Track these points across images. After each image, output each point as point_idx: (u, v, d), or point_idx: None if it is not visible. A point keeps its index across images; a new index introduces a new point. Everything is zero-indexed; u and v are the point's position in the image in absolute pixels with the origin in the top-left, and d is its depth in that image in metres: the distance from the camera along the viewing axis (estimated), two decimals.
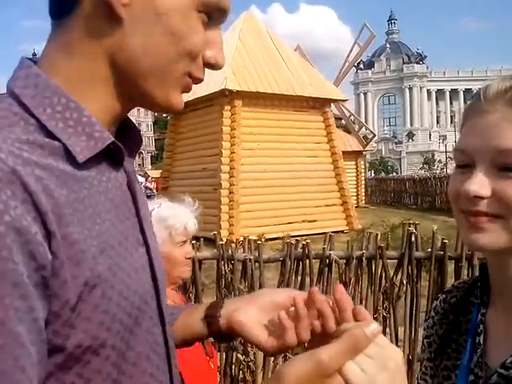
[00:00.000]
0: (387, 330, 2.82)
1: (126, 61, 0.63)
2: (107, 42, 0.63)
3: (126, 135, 0.74)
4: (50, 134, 0.59)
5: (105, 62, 0.63)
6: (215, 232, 3.12)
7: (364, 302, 2.85)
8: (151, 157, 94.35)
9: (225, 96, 11.28)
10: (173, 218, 1.66)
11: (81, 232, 0.57)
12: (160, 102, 0.67)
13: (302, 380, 0.58)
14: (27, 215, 0.51)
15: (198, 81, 0.69)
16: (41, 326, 0.53)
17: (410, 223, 2.93)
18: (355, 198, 18.44)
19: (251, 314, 0.81)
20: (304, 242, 2.90)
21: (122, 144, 0.68)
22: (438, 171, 38.97)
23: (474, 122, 0.71)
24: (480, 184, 0.68)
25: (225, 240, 3.25)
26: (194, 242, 2.99)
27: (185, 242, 1.71)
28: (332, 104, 14.25)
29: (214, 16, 0.67)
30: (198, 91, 12.12)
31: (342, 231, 11.63)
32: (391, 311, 2.80)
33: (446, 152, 58.45)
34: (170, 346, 0.72)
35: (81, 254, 0.56)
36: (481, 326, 0.76)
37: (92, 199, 0.61)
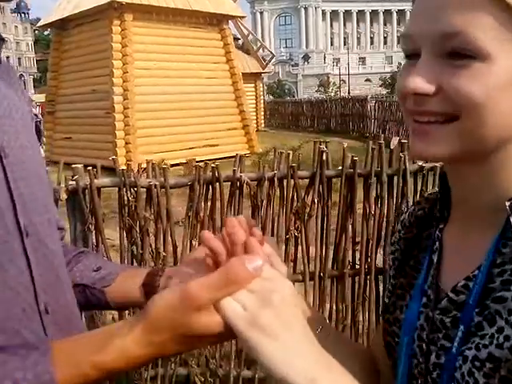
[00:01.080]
0: (299, 248, 2.82)
1: None
2: None
3: None
4: None
5: None
6: (114, 157, 2.82)
7: (276, 223, 2.79)
8: (34, 79, 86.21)
9: (113, 9, 10.30)
10: None
11: None
12: None
13: (166, 312, 0.55)
14: None
15: None
16: None
17: (320, 141, 2.85)
18: (255, 121, 18.45)
19: (182, 278, 0.75)
20: (213, 165, 2.72)
21: None
22: (332, 94, 40.18)
23: (421, 0, 0.56)
24: (422, 77, 0.54)
25: (123, 167, 2.96)
26: (90, 168, 2.69)
27: None
28: (230, 22, 13.66)
29: None
30: (82, 4, 10.94)
31: (244, 155, 11.62)
32: (303, 231, 2.78)
33: (339, 75, 60.21)
34: (30, 258, 0.69)
35: None
36: (437, 242, 0.67)
37: None
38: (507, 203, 0.54)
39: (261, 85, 21.63)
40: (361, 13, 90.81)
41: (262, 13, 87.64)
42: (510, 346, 0.50)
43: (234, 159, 2.82)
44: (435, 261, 0.66)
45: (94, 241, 2.71)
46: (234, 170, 2.71)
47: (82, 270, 0.90)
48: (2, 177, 0.67)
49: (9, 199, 0.67)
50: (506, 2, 0.49)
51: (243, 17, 14.56)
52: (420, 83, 0.53)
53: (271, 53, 21.87)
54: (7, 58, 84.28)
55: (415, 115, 0.57)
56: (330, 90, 47.99)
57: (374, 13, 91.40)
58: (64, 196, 2.64)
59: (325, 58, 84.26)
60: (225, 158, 10.31)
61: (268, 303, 0.53)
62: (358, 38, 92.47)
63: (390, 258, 0.80)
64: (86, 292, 0.88)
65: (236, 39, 18.38)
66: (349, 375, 0.56)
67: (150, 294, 0.81)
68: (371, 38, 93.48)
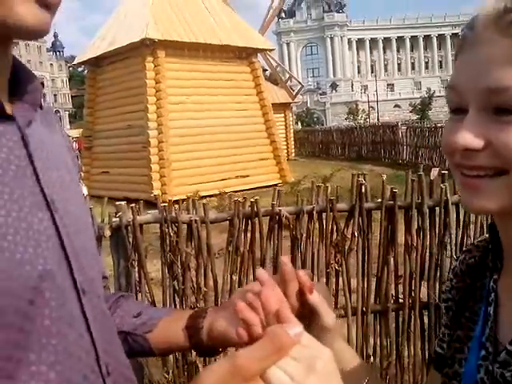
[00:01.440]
0: (340, 282, 2.79)
1: None
2: None
3: (22, 88, 0.66)
4: None
5: None
6: (156, 193, 2.88)
7: (316, 256, 2.78)
8: (69, 115, 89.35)
9: (146, 46, 10.65)
10: None
11: None
12: (6, 16, 0.56)
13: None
14: None
15: None
16: None
17: (358, 174, 2.85)
18: (285, 150, 18.56)
19: (227, 318, 0.78)
20: (252, 200, 2.74)
21: (17, 96, 0.64)
22: (362, 121, 40.17)
23: (465, 56, 0.58)
24: (470, 133, 0.55)
25: (161, 201, 3.00)
26: (132, 205, 2.75)
27: None
28: (258, 55, 13.95)
29: None
30: (116, 42, 11.35)
31: (276, 185, 11.67)
32: (343, 264, 2.75)
33: (368, 102, 60.22)
34: (89, 318, 0.65)
35: None
36: (492, 294, 0.66)
37: None
38: None
39: (290, 114, 21.81)
40: (387, 40, 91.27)
41: (288, 44, 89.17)
42: None
43: (267, 189, 2.85)
44: (491, 313, 0.65)
45: (137, 276, 2.75)
46: (273, 205, 2.72)
47: (122, 316, 0.87)
48: (54, 233, 0.62)
49: (62, 257, 0.63)
50: None
51: (272, 49, 14.83)
52: (469, 139, 0.55)
53: (300, 83, 22.11)
54: (44, 95, 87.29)
55: (464, 169, 0.58)
56: (359, 117, 47.96)
57: (400, 39, 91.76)
58: (108, 233, 2.70)
59: (352, 85, 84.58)
60: (257, 188, 10.38)
61: (312, 370, 0.54)
62: (385, 65, 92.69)
63: (442, 305, 0.79)
64: (128, 339, 0.85)
65: (264, 70, 18.72)
66: None
67: (194, 336, 0.82)
68: (398, 64, 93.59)
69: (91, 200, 3.39)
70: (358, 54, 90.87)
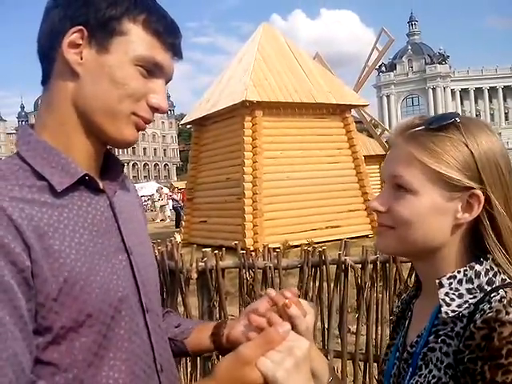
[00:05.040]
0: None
1: (83, 104, 0.84)
2: (71, 94, 0.84)
3: (111, 167, 0.95)
4: (39, 175, 0.80)
5: (71, 110, 0.85)
6: (236, 242, 3.28)
7: (380, 304, 2.96)
8: (176, 168, 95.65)
9: (245, 107, 11.46)
10: None
11: (61, 244, 0.77)
12: (114, 136, 0.86)
13: (228, 368, 0.77)
14: (9, 235, 0.70)
15: (147, 120, 0.88)
16: (21, 312, 0.70)
17: None
18: None
19: (240, 327, 0.99)
20: (320, 249, 3.03)
21: (106, 174, 0.91)
22: None
23: (388, 152, 0.90)
24: (379, 201, 0.86)
25: (251, 248, 3.37)
26: (216, 252, 3.16)
27: None
28: (353, 109, 14.30)
29: (153, 69, 0.86)
30: (219, 103, 12.37)
31: (367, 236, 11.66)
32: None
33: None
34: (150, 330, 0.89)
35: (61, 260, 0.76)
36: (409, 313, 0.95)
37: (71, 220, 0.80)
38: (437, 281, 0.81)
39: None
40: (493, 89, 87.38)
41: (388, 96, 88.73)
42: (435, 382, 0.76)
43: (358, 240, 3.09)
44: (406, 325, 0.93)
45: (218, 316, 3.12)
46: (339, 254, 2.99)
47: (167, 327, 1.07)
48: (129, 269, 0.86)
49: (134, 286, 0.87)
50: (426, 163, 0.81)
51: (365, 105, 15.13)
52: (377, 205, 0.87)
53: None
54: (155, 149, 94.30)
55: (377, 222, 0.89)
56: None
57: (507, 88, 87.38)
58: (195, 275, 3.12)
59: None
60: (348, 238, 10.39)
61: (291, 355, 0.77)
62: (492, 114, 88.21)
63: (390, 327, 1.07)
64: (171, 344, 1.04)
65: (359, 122, 18.95)
66: None
67: (217, 341, 1.04)
68: (506, 113, 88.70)
69: (188, 247, 3.85)
70: (462, 103, 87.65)
